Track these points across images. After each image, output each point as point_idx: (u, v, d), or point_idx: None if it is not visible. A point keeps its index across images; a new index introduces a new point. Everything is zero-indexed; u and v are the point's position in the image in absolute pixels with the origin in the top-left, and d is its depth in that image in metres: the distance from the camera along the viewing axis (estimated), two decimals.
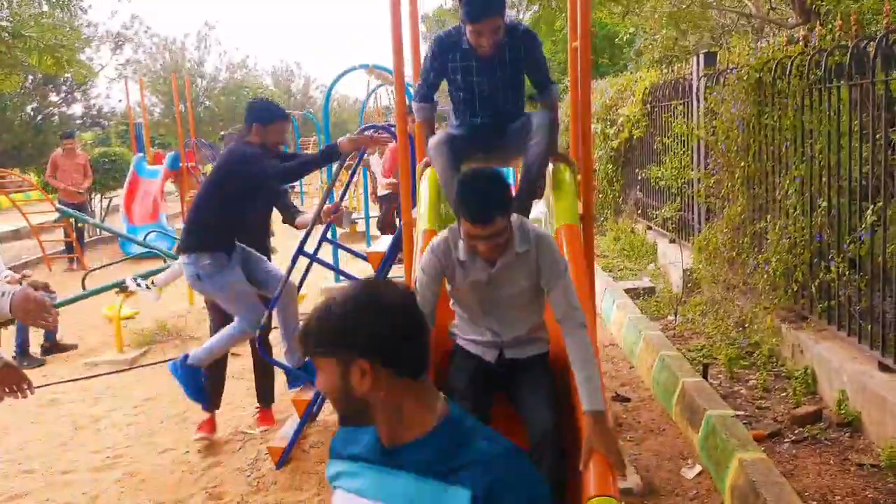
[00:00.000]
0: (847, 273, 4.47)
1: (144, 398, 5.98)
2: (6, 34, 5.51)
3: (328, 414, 5.17)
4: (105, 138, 30.23)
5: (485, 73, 3.70)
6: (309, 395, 4.59)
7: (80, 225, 12.60)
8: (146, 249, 9.57)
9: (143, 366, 6.84)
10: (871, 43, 4.14)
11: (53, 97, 21.15)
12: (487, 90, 3.75)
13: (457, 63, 3.71)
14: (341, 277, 8.78)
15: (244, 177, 4.38)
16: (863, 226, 4.27)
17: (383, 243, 4.59)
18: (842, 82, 4.48)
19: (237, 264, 4.58)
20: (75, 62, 6.11)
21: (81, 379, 6.56)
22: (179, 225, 15.46)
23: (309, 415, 4.65)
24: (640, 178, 9.25)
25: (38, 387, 6.34)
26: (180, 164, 14.50)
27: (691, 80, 7.45)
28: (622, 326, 6.49)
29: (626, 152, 10.10)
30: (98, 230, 14.36)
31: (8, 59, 5.76)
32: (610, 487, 2.37)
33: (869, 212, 4.20)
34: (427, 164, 3.88)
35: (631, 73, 12.23)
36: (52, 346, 7.39)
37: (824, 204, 4.71)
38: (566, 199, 3.59)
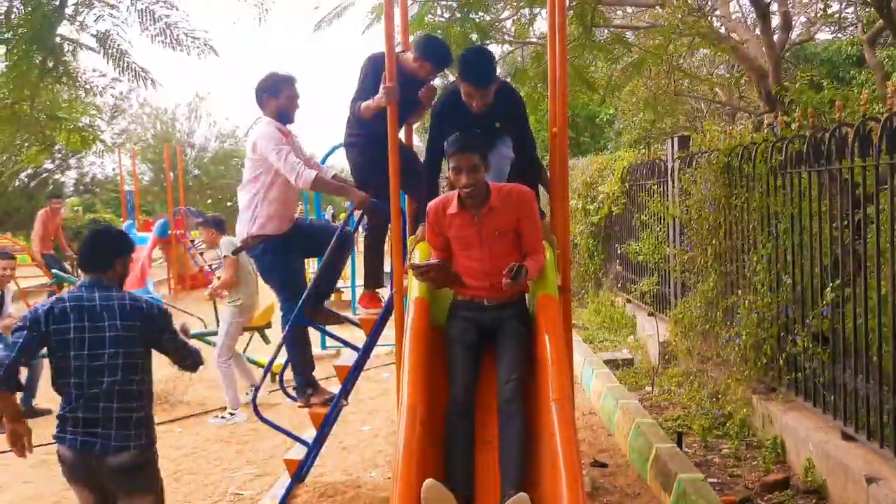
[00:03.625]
0: (811, 347, 4.72)
1: None
2: (44, 116, 5.88)
3: (317, 476, 5.32)
4: (90, 205, 30.53)
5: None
6: (300, 456, 4.75)
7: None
8: None
9: None
10: (827, 134, 4.49)
11: (48, 164, 21.53)
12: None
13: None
14: (328, 343, 9.00)
15: None
16: (824, 302, 4.55)
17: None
18: (802, 168, 4.83)
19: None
20: (99, 139, 6.50)
21: None
22: (165, 291, 15.63)
23: (298, 475, 4.80)
24: (619, 252, 9.49)
25: (36, 446, 6.42)
26: (169, 232, 14.80)
27: (666, 161, 7.76)
28: (601, 396, 6.67)
29: (607, 227, 10.37)
30: None
31: (42, 139, 6.15)
32: None
33: (829, 289, 4.49)
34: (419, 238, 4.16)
35: (611, 151, 12.65)
36: (27, 412, 7.31)
37: (789, 281, 5.00)
38: (546, 271, 3.84)
